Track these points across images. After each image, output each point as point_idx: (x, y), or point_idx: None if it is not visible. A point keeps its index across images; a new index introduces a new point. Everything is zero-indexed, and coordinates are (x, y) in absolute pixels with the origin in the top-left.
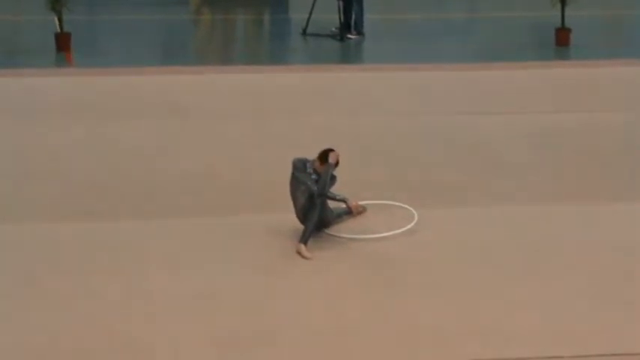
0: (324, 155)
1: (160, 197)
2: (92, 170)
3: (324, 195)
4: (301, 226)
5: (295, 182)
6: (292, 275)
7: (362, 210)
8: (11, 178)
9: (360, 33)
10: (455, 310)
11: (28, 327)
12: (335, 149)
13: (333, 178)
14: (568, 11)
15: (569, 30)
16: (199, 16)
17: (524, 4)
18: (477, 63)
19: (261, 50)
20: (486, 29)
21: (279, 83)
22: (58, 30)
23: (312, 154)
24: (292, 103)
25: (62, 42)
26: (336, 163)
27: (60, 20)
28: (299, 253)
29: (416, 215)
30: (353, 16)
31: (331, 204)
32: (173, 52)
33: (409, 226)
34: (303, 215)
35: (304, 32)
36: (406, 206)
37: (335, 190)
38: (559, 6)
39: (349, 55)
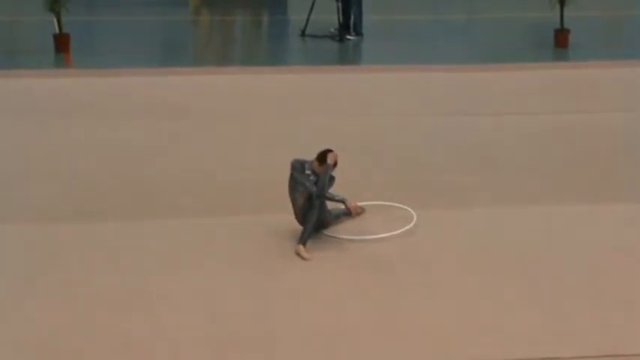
0: (322, 156)
1: (160, 198)
2: (91, 171)
3: (323, 196)
4: (300, 227)
5: (294, 183)
6: (291, 276)
7: (361, 211)
8: (11, 178)
9: (359, 34)
10: (454, 311)
11: (28, 327)
12: (333, 150)
13: (331, 179)
14: (567, 12)
15: (568, 31)
16: (198, 17)
17: (524, 5)
18: (476, 64)
19: (260, 51)
20: (485, 30)
21: (278, 84)
22: (57, 31)
23: (310, 155)
24: (291, 104)
25: (61, 43)
26: (335, 164)
27: (59, 21)
28: (298, 253)
29: (415, 216)
30: (352, 17)
31: (330, 205)
32: (172, 53)
33: (408, 227)
34: (301, 216)
35: (303, 33)
36: (405, 207)
37: (334, 190)
38: (558, 7)
39: (348, 56)
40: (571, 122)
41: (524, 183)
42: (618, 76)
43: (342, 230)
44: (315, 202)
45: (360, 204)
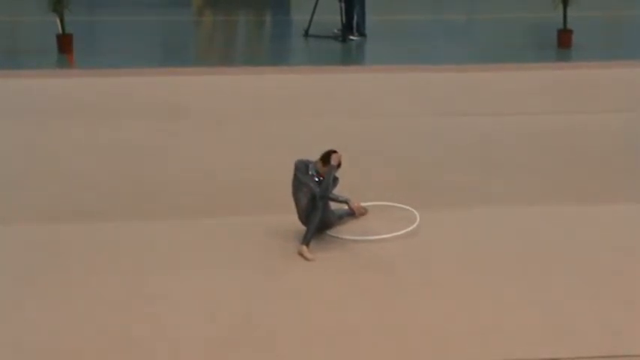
0: (326, 157)
1: (161, 198)
2: (92, 171)
3: (327, 196)
4: (303, 228)
5: (297, 184)
6: (294, 276)
7: (364, 211)
8: (12, 178)
9: (362, 34)
10: (455, 311)
11: (28, 327)
12: (337, 150)
13: (335, 180)
14: (570, 12)
15: (571, 31)
16: (201, 18)
17: (526, 5)
18: (479, 64)
19: (262, 51)
20: (488, 30)
21: (281, 84)
22: (60, 31)
23: (314, 156)
24: (294, 105)
25: (64, 43)
26: (339, 165)
27: (61, 21)
28: (301, 254)
29: (418, 217)
30: (355, 18)
31: (333, 205)
32: (175, 54)
33: (411, 228)
34: (305, 217)
35: (306, 34)
36: (408, 207)
37: (337, 191)
38: (561, 7)
39: (351, 57)
40: (572, 122)
41: (525, 183)
42: (620, 77)
43: (345, 231)
44: (318, 203)
45: (363, 204)
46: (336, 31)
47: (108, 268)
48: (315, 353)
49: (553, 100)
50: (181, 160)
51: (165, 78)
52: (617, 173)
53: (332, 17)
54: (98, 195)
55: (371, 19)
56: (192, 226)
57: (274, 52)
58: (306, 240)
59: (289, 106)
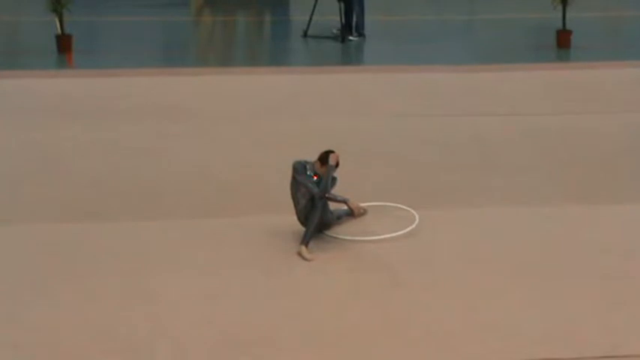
0: (324, 157)
1: (160, 198)
2: (92, 171)
3: (325, 197)
4: (302, 228)
5: (296, 185)
6: (293, 277)
7: (363, 211)
8: (12, 179)
9: (361, 34)
10: (456, 311)
11: (28, 327)
12: (335, 150)
13: (333, 180)
14: (569, 13)
15: (570, 32)
16: (200, 18)
17: (525, 5)
18: (478, 65)
19: (262, 52)
20: (487, 31)
21: (280, 85)
22: (59, 31)
23: (312, 156)
24: (293, 105)
25: (63, 43)
26: (337, 165)
27: (61, 22)
28: (300, 254)
29: (417, 217)
30: (354, 18)
31: (332, 205)
32: (174, 54)
33: (410, 228)
34: (304, 217)
35: (305, 34)
36: (407, 208)
37: (336, 191)
38: (560, 7)
39: (350, 57)
40: (572, 123)
41: (526, 184)
42: (620, 77)
43: (344, 231)
44: (317, 203)
45: (362, 205)
46: (335, 31)
47: (108, 268)
48: (315, 353)
49: (552, 101)
50: (180, 160)
51: (165, 78)
52: (616, 174)
53: (331, 17)
54: (97, 195)
55: (370, 19)
56: (192, 226)
57: (273, 53)
58: (305, 240)
59: (288, 106)
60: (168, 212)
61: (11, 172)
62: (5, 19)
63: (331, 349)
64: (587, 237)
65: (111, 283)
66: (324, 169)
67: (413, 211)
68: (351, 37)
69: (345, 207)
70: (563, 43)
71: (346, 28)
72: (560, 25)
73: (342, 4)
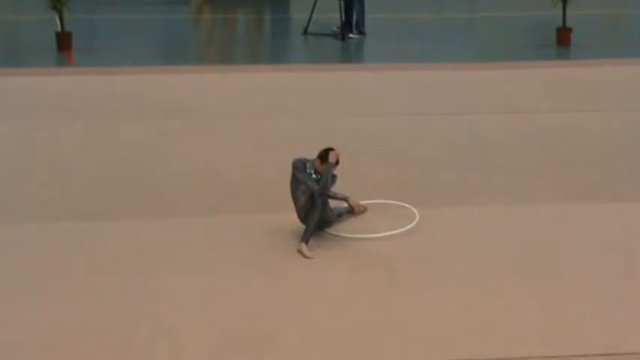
0: (324, 154)
1: (161, 197)
2: (92, 170)
3: (325, 194)
4: (302, 226)
5: (296, 182)
6: (293, 275)
7: (363, 209)
8: (11, 178)
9: (361, 32)
10: (456, 309)
11: (29, 326)
12: (335, 148)
13: (333, 177)
14: (569, 10)
15: (570, 29)
16: (200, 16)
17: (526, 3)
18: (478, 62)
19: (262, 50)
20: (487, 29)
21: (280, 83)
22: (59, 29)
23: (312, 154)
24: (293, 103)
25: (63, 41)
26: (337, 162)
27: (61, 19)
28: (300, 252)
29: (417, 215)
30: (354, 16)
31: (332, 203)
32: (174, 52)
33: (410, 226)
34: (304, 215)
35: (305, 32)
36: (407, 205)
37: (336, 189)
38: (560, 5)
39: (350, 55)
40: (572, 121)
41: (526, 182)
42: (620, 75)
43: (344, 229)
44: (317, 201)
45: (362, 202)
46: (335, 29)
47: (108, 267)
48: (315, 351)
49: (552, 99)
50: (180, 159)
51: (165, 76)
52: (617, 172)
53: (331, 15)
54: (97, 194)
55: (370, 17)
56: (192, 224)
57: (273, 50)
58: (305, 238)
59: (288, 104)
60: (168, 210)
61: (11, 171)
62: (5, 17)
63: (331, 347)
64: (587, 235)
65: (111, 283)
66: (324, 167)
67: (413, 208)
68: (351, 35)
69: (346, 204)
70: (563, 41)
71: (346, 26)
72: (560, 22)
73: (342, 2)
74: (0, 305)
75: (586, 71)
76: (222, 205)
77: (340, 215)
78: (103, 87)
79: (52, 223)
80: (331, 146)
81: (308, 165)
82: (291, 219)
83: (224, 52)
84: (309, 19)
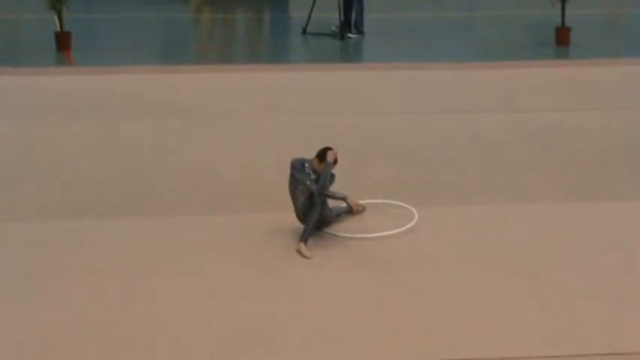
0: (322, 154)
1: (160, 196)
2: (92, 169)
3: (324, 194)
4: (301, 226)
5: (294, 182)
6: (292, 274)
7: (362, 209)
8: (11, 177)
9: (360, 32)
10: (454, 309)
11: (28, 325)
12: (333, 147)
13: (332, 177)
14: (568, 10)
15: (569, 29)
16: (200, 15)
17: (525, 2)
18: (477, 62)
19: (261, 49)
20: (486, 28)
21: (280, 82)
22: (58, 29)
23: (311, 153)
24: (292, 102)
25: (62, 41)
26: (335, 162)
27: (60, 19)
28: (299, 252)
29: (416, 214)
30: (353, 15)
31: (331, 203)
32: (174, 51)
33: (409, 225)
34: (303, 214)
35: (304, 31)
36: (406, 205)
37: (334, 188)
38: (559, 5)
39: (349, 54)
40: (572, 120)
41: (525, 181)
42: (619, 74)
43: (343, 228)
44: (316, 201)
45: (361, 202)
46: (334, 28)
47: (107, 266)
48: (314, 351)
49: (552, 98)
50: (180, 158)
51: (164, 76)
52: (616, 171)
53: (330, 15)
54: (97, 192)
55: (369, 16)
56: (191, 224)
57: (272, 50)
58: (304, 238)
59: (287, 103)
60: (168, 210)
61: (10, 170)
62: (4, 17)
63: (331, 347)
64: (587, 234)
65: (111, 282)
66: (323, 166)
67: (412, 208)
68: (350, 35)
69: (344, 204)
70: (562, 41)
71: (345, 26)
72: (559, 22)
73: (342, 1)
74: (0, 304)
75: (585, 70)
76: (221, 205)
77: (339, 215)
78: (103, 86)
79: (52, 221)
80: (330, 145)
81: (307, 165)
82: (290, 218)
83: (223, 52)
84: (308, 19)
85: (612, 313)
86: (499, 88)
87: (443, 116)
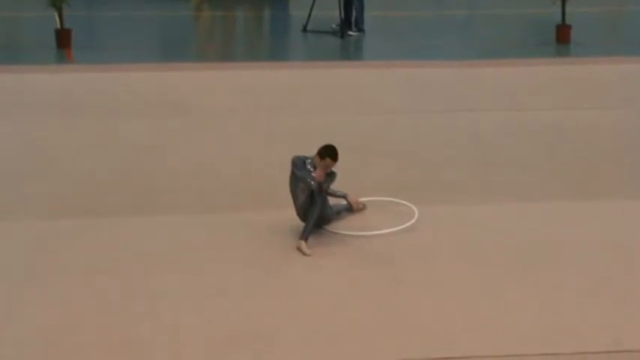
0: (323, 151)
1: (160, 194)
2: (92, 167)
3: (324, 192)
4: (301, 223)
5: (295, 180)
6: (292, 272)
7: (362, 207)
8: (11, 175)
9: (360, 30)
10: (454, 307)
11: (28, 325)
12: (334, 145)
13: (332, 175)
14: (569, 8)
15: (569, 26)
16: (199, 13)
17: (525, 1)
18: (478, 60)
19: (261, 47)
20: (487, 26)
21: (280, 80)
22: (59, 26)
23: (312, 151)
24: (292, 100)
25: (62, 38)
26: (336, 159)
27: (60, 16)
28: (299, 249)
29: (416, 212)
30: (353, 13)
31: (331, 201)
32: (174, 49)
33: (409, 223)
34: (303, 212)
35: (305, 29)
36: (406, 203)
37: (335, 186)
38: (560, 3)
39: (349, 52)
40: (572, 118)
41: (525, 179)
42: (619, 72)
43: (343, 226)
44: (316, 198)
45: (361, 200)
46: (334, 26)
47: (107, 266)
48: (314, 349)
49: (552, 96)
50: (180, 156)
51: (164, 73)
52: (617, 169)
53: (331, 13)
54: (97, 191)
55: (369, 14)
56: (191, 222)
57: (273, 48)
58: (304, 235)
59: (287, 101)
60: (168, 208)
61: (10, 168)
62: (4, 14)
63: (331, 345)
64: (587, 233)
65: (111, 281)
66: (323, 163)
67: (412, 206)
68: (350, 33)
69: (345, 202)
70: (562, 39)
71: (345, 24)
72: (559, 20)
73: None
74: (0, 303)
75: (586, 68)
76: (221, 203)
77: (339, 213)
78: (103, 84)
79: (52, 220)
80: (330, 143)
81: (307, 162)
82: (290, 216)
83: (223, 50)
84: (309, 17)
85: (612, 312)
86: (500, 86)
87: (443, 115)
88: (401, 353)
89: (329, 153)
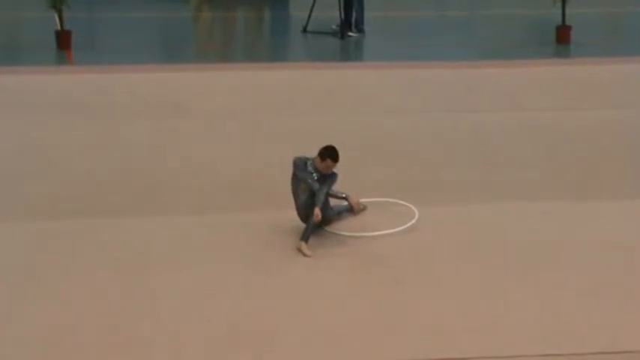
0: (323, 152)
1: (161, 195)
2: (92, 167)
3: (325, 192)
4: (302, 224)
5: (296, 180)
6: (293, 273)
7: (363, 207)
8: (11, 175)
9: (360, 30)
10: (456, 307)
11: (28, 324)
12: (335, 146)
13: (333, 176)
14: (569, 9)
15: (569, 27)
16: (200, 14)
17: (525, 1)
18: (478, 60)
19: (261, 48)
20: (487, 27)
21: (280, 81)
22: (59, 27)
23: (312, 152)
24: (292, 101)
25: (63, 39)
26: (336, 160)
27: (60, 18)
28: (300, 250)
29: (417, 213)
30: (354, 14)
31: (332, 202)
32: (174, 50)
33: (410, 224)
34: (304, 213)
35: (305, 30)
36: (407, 204)
37: (336, 187)
38: (560, 3)
39: (350, 53)
40: (572, 119)
41: (525, 180)
42: (619, 73)
43: (344, 227)
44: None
45: (361, 201)
46: (334, 27)
47: (107, 265)
48: (315, 349)
49: (552, 96)
50: (180, 156)
51: (165, 74)
52: (617, 169)
53: (331, 13)
54: (97, 191)
55: (369, 15)
56: (192, 222)
57: (273, 48)
58: (305, 236)
59: (288, 102)
60: (168, 209)
61: (10, 168)
62: (4, 15)
63: (331, 345)
64: (587, 233)
65: (111, 281)
66: (324, 164)
67: (413, 207)
68: (350, 33)
69: (345, 203)
70: (562, 39)
71: (346, 24)
72: (559, 20)
73: (342, 0)
74: (0, 303)
75: (586, 69)
76: (222, 203)
77: (340, 213)
78: (103, 85)
79: (52, 221)
80: (331, 144)
81: (309, 163)
82: (290, 216)
83: (223, 50)
84: (309, 17)
85: (611, 312)
86: (500, 86)
87: (443, 115)
88: (401, 353)
89: (330, 154)
